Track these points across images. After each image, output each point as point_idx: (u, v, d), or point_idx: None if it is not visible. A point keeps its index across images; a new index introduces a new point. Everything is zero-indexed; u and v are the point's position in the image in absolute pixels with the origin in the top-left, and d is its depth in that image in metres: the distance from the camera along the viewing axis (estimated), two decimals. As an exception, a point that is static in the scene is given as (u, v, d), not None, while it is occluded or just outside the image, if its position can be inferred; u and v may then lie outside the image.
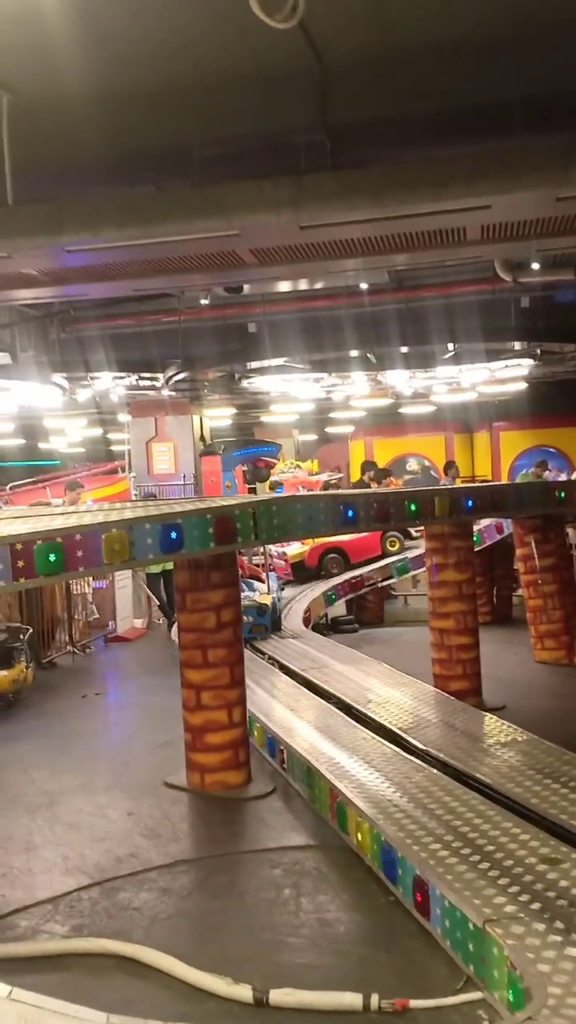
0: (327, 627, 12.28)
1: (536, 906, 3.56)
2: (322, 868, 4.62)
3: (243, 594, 10.41)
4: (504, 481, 19.64)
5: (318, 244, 6.04)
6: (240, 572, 10.93)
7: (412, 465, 25.09)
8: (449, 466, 15.28)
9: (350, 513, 6.02)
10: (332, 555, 12.43)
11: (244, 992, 3.38)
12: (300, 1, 4.23)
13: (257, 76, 5.49)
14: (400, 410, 20.65)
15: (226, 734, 5.68)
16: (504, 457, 24.22)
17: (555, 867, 3.91)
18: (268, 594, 10.66)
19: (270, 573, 11.54)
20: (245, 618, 9.46)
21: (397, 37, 5.28)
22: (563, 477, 19.48)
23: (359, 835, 4.62)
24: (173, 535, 4.76)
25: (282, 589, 11.76)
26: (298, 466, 19.73)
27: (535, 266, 9.86)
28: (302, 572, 12.53)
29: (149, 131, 5.71)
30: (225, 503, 5.42)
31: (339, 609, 12.64)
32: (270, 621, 10.06)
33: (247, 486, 17.75)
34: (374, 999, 3.29)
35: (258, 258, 6.27)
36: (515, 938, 3.29)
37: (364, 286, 10.84)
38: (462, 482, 17.49)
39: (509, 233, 5.98)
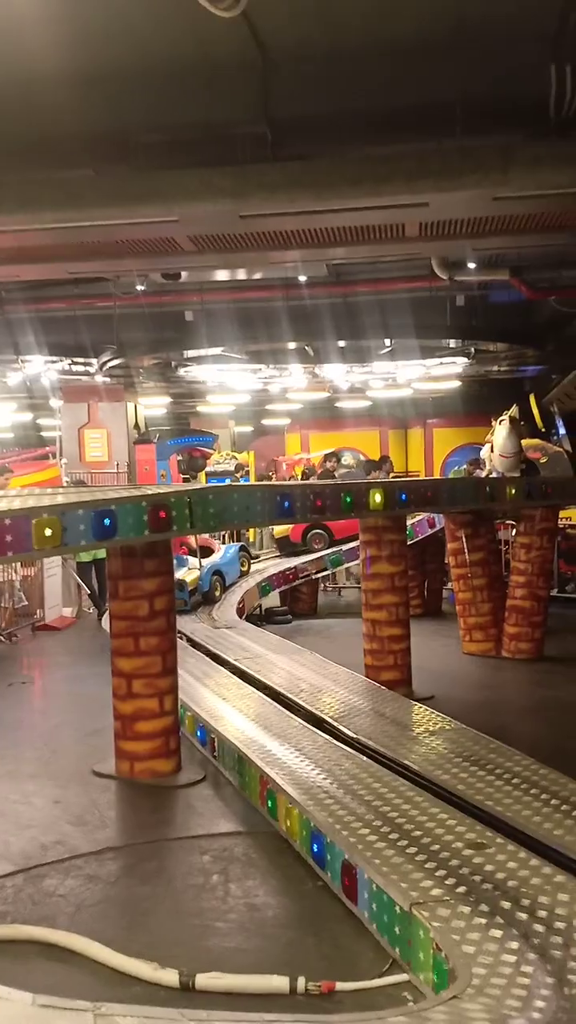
0: (261, 618, 12.31)
1: (462, 890, 3.64)
2: (251, 854, 4.64)
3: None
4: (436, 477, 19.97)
5: (258, 234, 6.04)
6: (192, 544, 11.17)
7: (347, 459, 25.30)
8: (383, 461, 15.44)
9: (287, 504, 6.04)
10: (316, 531, 12.52)
11: (170, 976, 3.38)
12: (245, -11, 4.23)
13: (201, 65, 5.47)
14: (336, 404, 20.79)
15: (157, 722, 5.65)
16: (437, 453, 24.64)
17: (481, 852, 4.01)
18: (197, 570, 11.03)
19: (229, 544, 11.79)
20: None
21: (341, 34, 5.32)
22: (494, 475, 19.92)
23: (288, 821, 4.65)
24: (107, 522, 4.71)
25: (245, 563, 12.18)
26: (234, 456, 19.73)
27: (471, 265, 10.02)
28: (289, 547, 13.10)
29: (91, 115, 5.62)
30: (161, 491, 5.38)
31: (273, 600, 12.70)
32: (188, 596, 10.66)
33: (182, 475, 17.68)
34: (300, 982, 3.32)
35: (196, 245, 6.24)
36: (441, 920, 3.36)
37: (302, 278, 10.86)
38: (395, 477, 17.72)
39: (446, 231, 6.07)
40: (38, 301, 12.27)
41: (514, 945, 3.19)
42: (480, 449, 22.56)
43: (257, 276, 10.64)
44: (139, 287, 11.33)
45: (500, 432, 10.01)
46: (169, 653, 5.74)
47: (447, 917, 3.39)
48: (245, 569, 12.38)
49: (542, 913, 3.44)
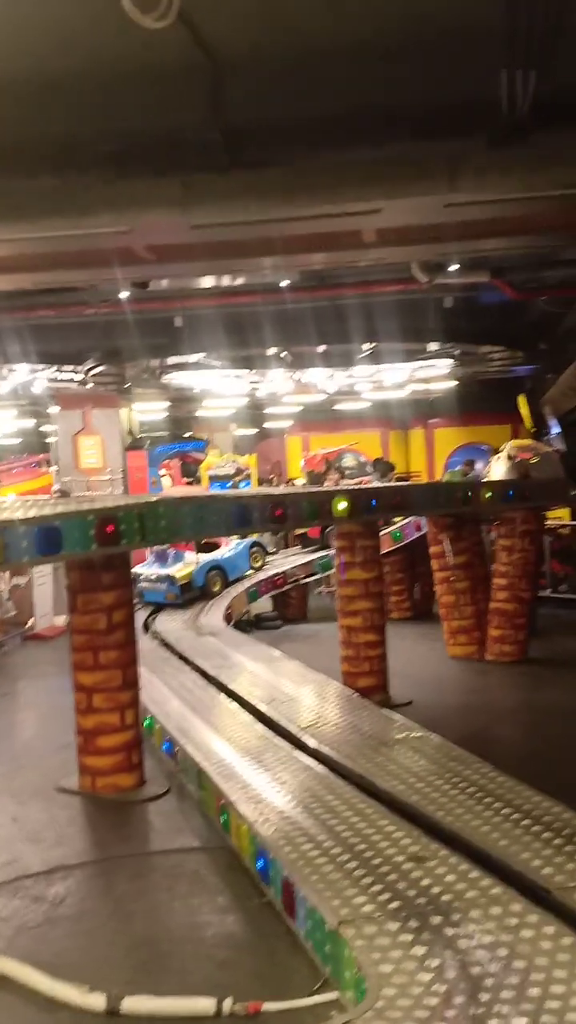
0: (250, 623, 12.31)
1: (395, 905, 3.62)
2: (202, 871, 4.62)
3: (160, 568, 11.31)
4: (437, 478, 19.94)
5: (215, 243, 6.02)
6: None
7: (348, 460, 25.26)
8: (376, 463, 15.41)
9: (244, 515, 6.02)
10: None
11: (97, 1000, 3.37)
12: (174, 1, 4.21)
13: (151, 72, 5.42)
14: (336, 407, 20.76)
15: (118, 737, 5.65)
16: (438, 454, 24.56)
17: (421, 865, 3.98)
18: (191, 565, 11.38)
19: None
20: (159, 585, 11.28)
21: (290, 38, 5.27)
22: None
23: (239, 836, 4.64)
24: (51, 537, 4.71)
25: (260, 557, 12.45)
26: (235, 460, 19.73)
27: (453, 267, 9.96)
28: (309, 543, 13.36)
29: (37, 124, 5.61)
30: (109, 505, 5.37)
31: (262, 605, 12.69)
32: (180, 591, 11.17)
33: (185, 480, 17.73)
34: (227, 1003, 3.30)
35: (155, 254, 6.22)
36: (365, 939, 3.34)
37: (284, 283, 10.83)
38: (396, 479, 17.67)
39: (405, 237, 6.03)
40: (26, 309, 12.31)
41: (435, 963, 3.16)
42: (479, 448, 22.62)
43: (239, 281, 10.62)
44: (121, 294, 11.35)
45: (498, 468, 10.08)
46: (130, 667, 5.73)
47: (372, 935, 3.36)
48: (258, 565, 12.47)
49: (471, 928, 3.41)
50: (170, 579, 11.33)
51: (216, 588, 11.68)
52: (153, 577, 11.62)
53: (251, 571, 12.30)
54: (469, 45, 5.34)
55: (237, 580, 12.08)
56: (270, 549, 13.14)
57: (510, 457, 10.13)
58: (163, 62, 5.29)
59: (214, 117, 5.56)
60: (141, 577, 11.65)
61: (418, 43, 5.32)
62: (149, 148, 5.76)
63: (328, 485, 13.70)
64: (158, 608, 11.50)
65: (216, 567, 11.76)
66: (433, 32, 5.28)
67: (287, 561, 12.96)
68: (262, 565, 12.51)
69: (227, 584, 11.92)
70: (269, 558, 12.94)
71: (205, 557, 11.56)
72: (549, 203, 5.62)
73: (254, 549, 12.42)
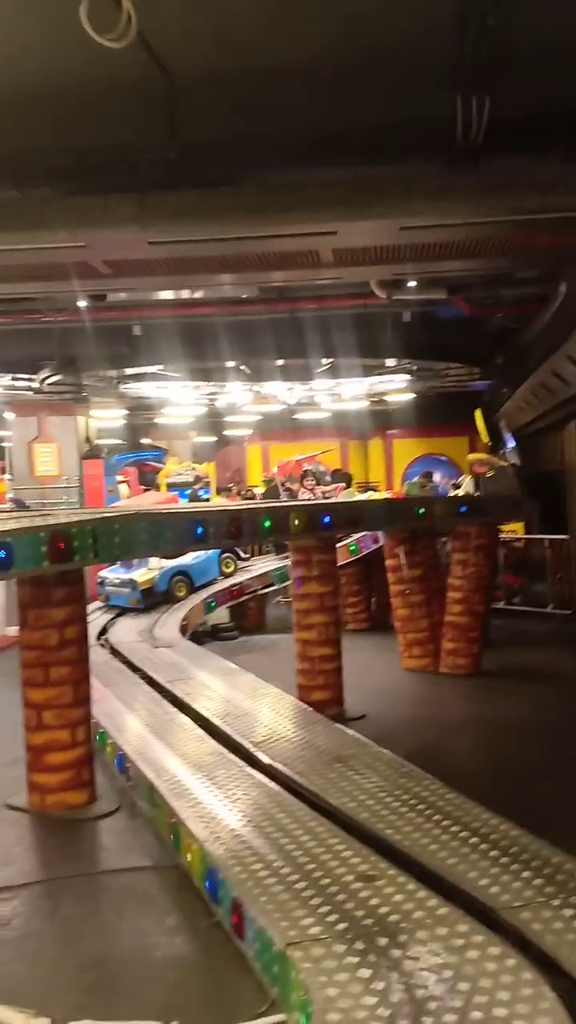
0: (207, 634, 12.29)
1: (342, 927, 3.63)
2: (151, 891, 4.61)
3: (124, 572, 11.37)
4: (395, 488, 20.11)
5: (172, 259, 6.03)
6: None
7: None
8: (335, 474, 15.48)
9: (199, 530, 6.02)
10: None
11: (42, 1025, 3.34)
12: (133, 21, 4.22)
13: (107, 90, 5.43)
14: (296, 416, 20.83)
15: (68, 754, 5.60)
16: (397, 464, 24.77)
17: (369, 885, 4.00)
18: (154, 570, 11.51)
19: None
20: (123, 590, 11.29)
21: (246, 60, 5.32)
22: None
23: (189, 855, 4.63)
24: (2, 554, 4.67)
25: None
26: (194, 468, 19.68)
27: (411, 284, 10.07)
28: (284, 549, 13.27)
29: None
30: (62, 521, 5.34)
31: (220, 616, 12.68)
32: (142, 596, 11.36)
33: (141, 488, 17.64)
34: (171, 1026, 3.29)
35: (113, 269, 6.21)
36: (312, 961, 3.35)
37: (244, 295, 10.87)
38: (358, 489, 17.77)
39: (361, 258, 6.09)
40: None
41: (380, 986, 3.19)
42: (438, 459, 22.86)
43: (198, 294, 10.63)
44: (80, 303, 11.27)
45: (469, 484, 10.48)
46: (81, 683, 5.69)
47: (319, 957, 3.38)
48: (230, 571, 12.47)
49: (417, 949, 3.44)
50: (133, 584, 11.46)
51: (181, 594, 11.80)
52: (117, 581, 11.72)
53: (221, 577, 12.32)
54: (422, 70, 5.43)
55: (205, 586, 12.11)
56: (243, 555, 13.16)
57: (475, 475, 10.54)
58: (120, 81, 5.31)
59: (170, 136, 5.59)
60: (107, 581, 11.75)
61: (372, 67, 5.41)
62: (106, 164, 5.77)
63: (303, 491, 13.69)
64: (121, 613, 11.52)
65: (181, 572, 11.83)
66: (387, 56, 5.36)
67: (259, 568, 12.98)
68: (234, 571, 12.53)
69: (193, 590, 11.99)
70: (242, 563, 12.96)
71: (169, 563, 11.56)
72: (502, 227, 5.72)
73: (225, 555, 12.42)
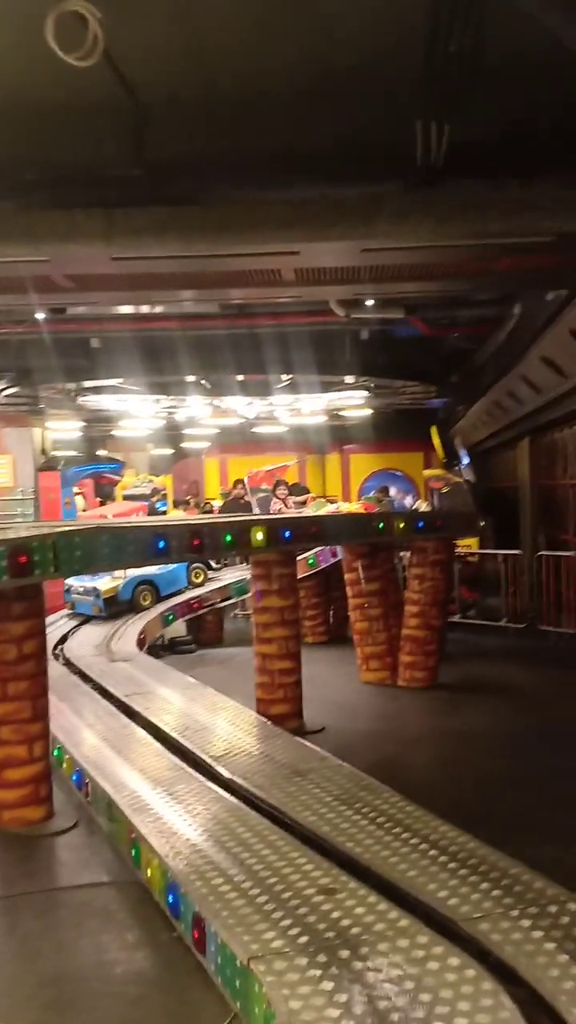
0: (164, 648, 12.24)
1: (304, 940, 3.66)
2: (111, 906, 4.59)
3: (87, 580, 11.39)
4: (352, 502, 20.26)
5: (135, 275, 6.05)
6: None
7: (265, 483, 25.45)
8: (293, 488, 15.54)
9: (161, 544, 6.03)
10: None
11: (2, 1045, 3.31)
12: (99, 40, 4.26)
13: (74, 105, 5.45)
14: (254, 429, 20.90)
15: (26, 769, 5.55)
16: (354, 479, 24.99)
17: (331, 898, 4.03)
18: (118, 579, 11.56)
19: None
20: (87, 598, 11.17)
21: (211, 79, 5.38)
22: (408, 500, 20.31)
23: (150, 870, 4.62)
24: (-38, 569, 4.64)
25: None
26: (151, 480, 19.60)
27: (369, 303, 10.21)
28: None
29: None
30: (22, 535, 5.31)
31: (177, 629, 12.64)
32: (104, 605, 11.44)
33: (98, 500, 17.51)
34: (134, 1043, 3.29)
35: (75, 283, 6.21)
36: (275, 974, 3.37)
37: (203, 310, 10.90)
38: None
39: (323, 277, 6.18)
40: None
41: (343, 998, 3.22)
42: (394, 474, 23.12)
43: (158, 309, 10.64)
44: (38, 315, 11.20)
45: (423, 505, 10.76)
46: (40, 698, 5.64)
47: (282, 970, 3.40)
48: (200, 581, 12.44)
49: (378, 961, 3.48)
50: (96, 592, 11.47)
51: (146, 603, 11.80)
52: (81, 589, 11.75)
53: (189, 587, 12.33)
54: (386, 94, 5.55)
55: (173, 595, 12.09)
56: (215, 565, 13.14)
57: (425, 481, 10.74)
58: (87, 97, 5.33)
59: (136, 153, 5.62)
60: (72, 588, 11.74)
61: (337, 89, 5.51)
62: (71, 180, 5.77)
63: (275, 502, 13.69)
64: (85, 621, 11.48)
65: (146, 582, 11.82)
66: (351, 80, 5.47)
67: (227, 579, 12.98)
68: (204, 580, 12.51)
69: (159, 599, 12.00)
70: (213, 573, 12.95)
71: (134, 571, 11.54)
72: (462, 250, 5.85)
73: (195, 565, 12.41)
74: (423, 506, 10.93)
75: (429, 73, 5.25)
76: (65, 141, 5.65)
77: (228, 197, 5.90)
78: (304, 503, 13.74)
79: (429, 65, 5.19)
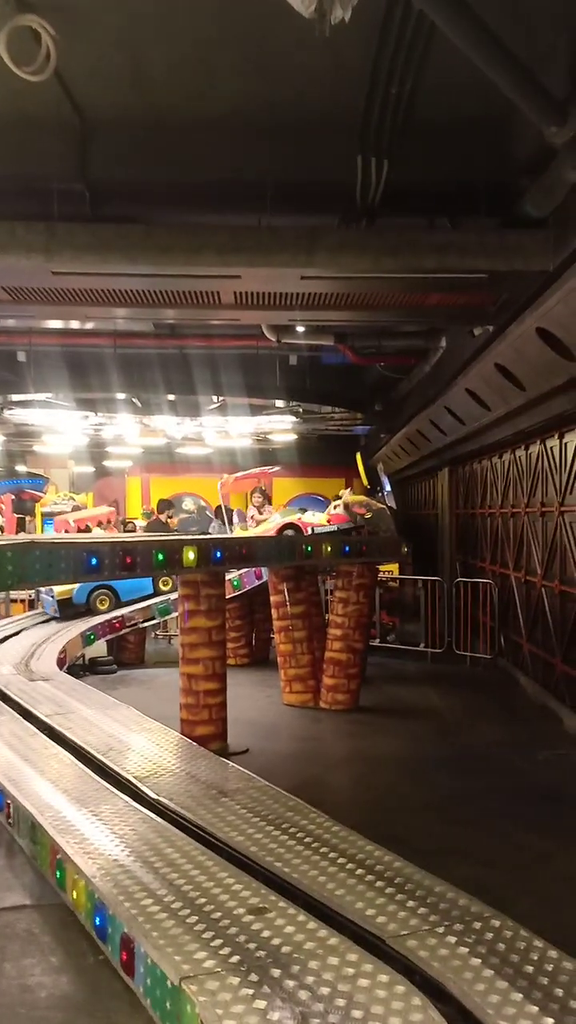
0: (84, 668, 12.05)
1: (235, 959, 3.66)
2: (34, 929, 4.50)
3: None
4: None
5: (74, 290, 6.04)
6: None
7: (188, 504, 25.39)
8: (218, 510, 15.58)
9: (93, 561, 5.98)
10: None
11: None
12: (52, 57, 4.30)
13: (20, 119, 5.46)
14: (177, 450, 20.86)
15: (-54, 791, 5.39)
16: (276, 501, 25.16)
17: (260, 917, 4.05)
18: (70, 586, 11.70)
19: None
20: (47, 598, 11.59)
21: (157, 105, 5.48)
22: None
23: (75, 892, 4.55)
24: None
25: None
26: (72, 497, 19.31)
27: (300, 329, 10.39)
28: None
29: None
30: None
31: (98, 649, 12.45)
32: (59, 606, 11.73)
33: (15, 515, 17.15)
34: (63, 1068, 3.24)
35: (12, 295, 6.16)
36: (208, 994, 3.37)
37: (135, 328, 10.90)
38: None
39: (261, 302, 6.29)
40: None
41: (275, 1016, 3.24)
42: (316, 498, 23.38)
43: (89, 326, 10.58)
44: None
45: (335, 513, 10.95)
46: (-38, 717, 5.50)
47: (215, 990, 3.40)
48: (168, 588, 12.39)
49: (309, 979, 3.51)
50: (51, 594, 11.65)
51: (104, 607, 11.90)
52: (44, 591, 11.93)
53: (153, 593, 12.32)
54: (328, 131, 5.75)
55: (136, 601, 12.03)
56: None
57: (346, 505, 10.86)
58: (33, 112, 5.36)
59: (80, 170, 5.66)
60: (41, 590, 11.89)
61: (278, 124, 5.67)
62: (14, 193, 5.76)
63: (252, 511, 13.44)
64: (4, 639, 11.32)
65: (104, 586, 11.82)
66: (296, 116, 5.65)
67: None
68: (173, 587, 12.41)
69: (119, 605, 12.02)
70: None
71: None
72: (396, 283, 6.05)
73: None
74: (336, 512, 11.24)
75: (372, 115, 5.46)
76: (8, 153, 5.64)
77: (169, 220, 5.98)
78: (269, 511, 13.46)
79: (370, 105, 5.40)
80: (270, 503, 12.97)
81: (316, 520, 11.36)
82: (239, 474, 14.73)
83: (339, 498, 11.57)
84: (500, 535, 12.91)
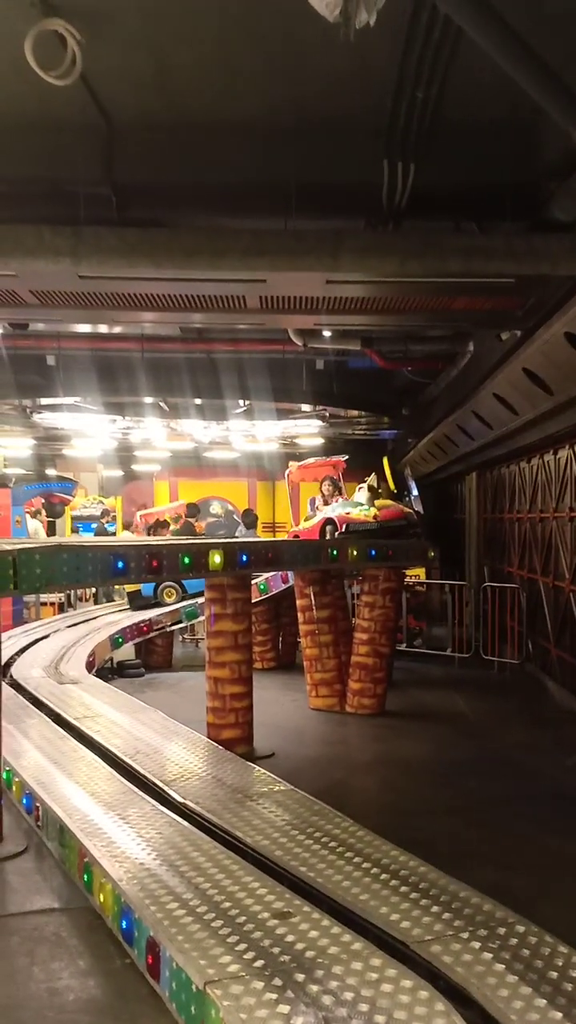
0: (112, 671, 12.12)
1: (259, 963, 3.66)
2: (62, 933, 4.51)
3: None
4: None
5: (101, 294, 6.08)
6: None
7: (216, 508, 25.47)
8: (245, 514, 15.62)
9: (120, 564, 6.02)
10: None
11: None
12: (77, 61, 4.34)
13: (47, 122, 5.51)
14: (204, 454, 20.92)
15: (-25, 792, 5.44)
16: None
17: (285, 921, 4.04)
18: None
19: None
20: None
21: (184, 108, 5.50)
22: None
23: (102, 896, 4.57)
24: None
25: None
26: (101, 501, 19.44)
27: (326, 334, 10.38)
28: None
29: None
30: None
31: (126, 652, 12.53)
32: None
33: (47, 519, 17.31)
34: (88, 1070, 3.25)
35: (40, 299, 6.21)
36: (231, 999, 3.37)
37: (162, 332, 10.96)
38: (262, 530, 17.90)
39: (286, 306, 6.29)
40: None
41: (299, 1021, 3.23)
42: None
43: (117, 329, 10.66)
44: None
45: (360, 497, 10.68)
46: (-13, 720, 5.56)
47: (239, 994, 3.40)
48: (171, 600, 12.70)
49: (333, 984, 3.50)
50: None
51: (171, 599, 12.70)
52: None
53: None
54: (354, 133, 5.74)
55: (201, 594, 12.02)
56: None
57: (371, 488, 10.70)
58: (60, 116, 5.40)
59: (106, 173, 5.70)
60: None
61: (304, 127, 5.67)
62: (41, 196, 5.81)
63: (318, 501, 12.69)
64: (33, 642, 11.38)
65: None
66: (320, 118, 5.65)
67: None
68: (176, 600, 12.62)
69: (185, 597, 12.66)
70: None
71: None
72: (422, 287, 6.03)
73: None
74: (360, 494, 10.76)
75: (399, 119, 5.45)
76: (36, 158, 5.70)
77: (194, 223, 6.00)
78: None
79: (397, 108, 5.38)
80: (342, 494, 12.17)
81: (357, 515, 10.43)
82: (305, 462, 14.01)
83: (363, 483, 11.24)
84: (528, 540, 12.80)
